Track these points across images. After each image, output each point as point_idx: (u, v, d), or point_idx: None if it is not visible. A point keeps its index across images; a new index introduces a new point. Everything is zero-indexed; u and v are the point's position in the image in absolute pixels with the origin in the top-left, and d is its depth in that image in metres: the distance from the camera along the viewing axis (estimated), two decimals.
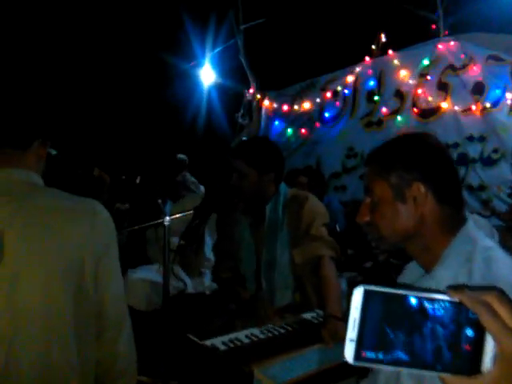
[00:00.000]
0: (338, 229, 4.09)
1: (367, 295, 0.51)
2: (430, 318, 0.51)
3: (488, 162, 4.45)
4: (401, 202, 1.13)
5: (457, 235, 1.11)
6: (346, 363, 0.52)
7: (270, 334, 1.75)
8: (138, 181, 5.35)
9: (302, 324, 1.87)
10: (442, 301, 0.52)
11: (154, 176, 4.98)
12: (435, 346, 0.50)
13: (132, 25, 6.29)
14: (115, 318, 1.13)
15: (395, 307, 0.51)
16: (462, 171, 4.45)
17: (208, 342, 1.62)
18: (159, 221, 2.12)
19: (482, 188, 4.45)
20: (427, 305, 0.51)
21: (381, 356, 0.50)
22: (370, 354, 0.50)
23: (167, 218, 2.04)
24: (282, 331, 1.79)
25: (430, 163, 1.14)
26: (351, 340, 0.51)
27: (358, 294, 0.52)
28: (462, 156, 4.56)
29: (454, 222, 1.13)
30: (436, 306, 0.51)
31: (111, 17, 6.20)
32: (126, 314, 1.17)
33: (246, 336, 1.73)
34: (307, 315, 1.96)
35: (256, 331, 1.77)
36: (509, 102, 4.30)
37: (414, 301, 0.51)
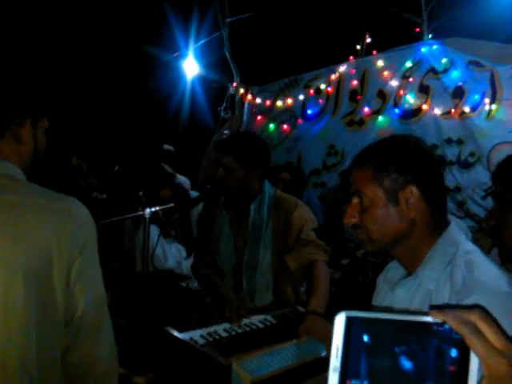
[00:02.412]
0: (316, 225, 4.11)
1: (349, 321, 0.51)
2: (414, 341, 0.50)
3: (464, 164, 4.55)
4: (393, 204, 1.13)
5: (440, 237, 1.13)
6: (323, 358, 0.52)
7: (248, 329, 1.76)
8: (115, 169, 5.28)
9: (280, 319, 1.88)
10: (425, 322, 0.51)
11: (135, 166, 4.92)
12: (420, 368, 0.49)
13: (114, 15, 6.18)
14: (92, 321, 1.06)
15: (378, 331, 0.51)
16: None
17: (186, 335, 1.62)
18: (139, 213, 2.11)
19: (457, 190, 4.55)
20: (410, 327, 0.51)
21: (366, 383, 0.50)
22: (354, 383, 0.50)
23: (148, 209, 2.02)
24: (261, 326, 1.80)
25: (422, 166, 1.15)
26: (335, 369, 0.50)
27: (339, 321, 0.51)
28: (441, 158, 4.65)
29: (439, 225, 1.15)
30: (419, 327, 0.51)
31: (93, 7, 6.08)
32: (105, 316, 1.10)
33: (225, 330, 1.73)
34: (286, 310, 1.98)
35: (235, 326, 1.78)
36: (487, 107, 4.40)
37: (396, 324, 0.51)
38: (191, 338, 1.60)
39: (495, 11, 4.56)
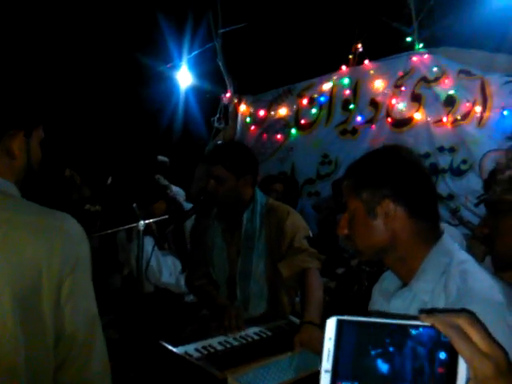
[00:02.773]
0: (310, 234, 4.12)
1: (340, 325, 0.52)
2: (403, 344, 0.51)
3: (457, 172, 4.58)
4: (372, 218, 1.16)
5: (433, 248, 1.14)
6: (318, 373, 0.53)
7: (243, 341, 1.75)
8: (109, 181, 5.26)
9: (275, 331, 1.87)
10: (415, 326, 0.52)
11: (129, 177, 4.91)
12: (409, 371, 0.51)
13: (108, 25, 6.20)
14: (83, 339, 1.03)
15: (369, 336, 0.52)
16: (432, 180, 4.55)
17: (181, 349, 1.61)
18: (133, 225, 2.10)
19: (450, 197, 4.57)
20: (400, 331, 0.52)
21: None
22: None
23: (141, 222, 2.02)
24: (256, 338, 1.79)
25: (401, 179, 1.16)
26: (326, 371, 0.51)
27: (330, 325, 0.52)
28: (433, 166, 4.67)
29: (429, 235, 1.15)
30: (409, 331, 0.52)
31: (86, 17, 6.10)
32: (97, 334, 1.07)
33: (220, 343, 1.72)
34: (281, 322, 1.97)
35: (230, 338, 1.77)
36: (478, 115, 4.44)
37: (386, 328, 0.52)
38: (186, 352, 1.59)
39: (484, 21, 4.61)
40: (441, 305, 1.05)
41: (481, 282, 1.03)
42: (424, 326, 0.52)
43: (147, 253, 2.19)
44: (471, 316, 0.55)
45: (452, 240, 1.18)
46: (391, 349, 0.51)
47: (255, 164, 2.18)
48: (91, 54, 6.31)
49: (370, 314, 1.28)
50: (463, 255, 1.13)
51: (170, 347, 1.61)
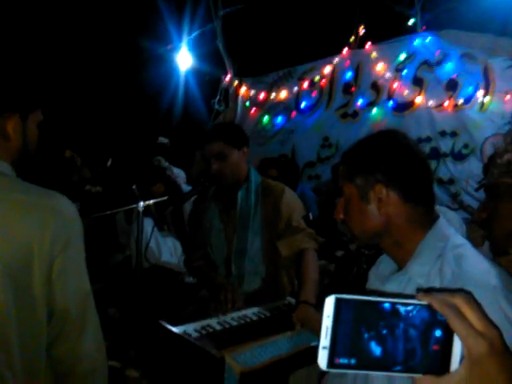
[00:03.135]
0: (310, 217, 4.13)
1: (339, 303, 0.52)
2: (401, 322, 0.52)
3: (458, 156, 4.57)
4: (366, 203, 1.16)
5: (429, 232, 1.14)
6: (314, 347, 0.54)
7: (242, 321, 1.77)
8: (109, 163, 5.26)
9: (273, 311, 1.89)
10: (412, 304, 0.53)
11: (128, 159, 4.90)
12: (406, 348, 0.52)
13: (106, 7, 6.12)
14: (76, 317, 1.06)
15: (366, 314, 0.52)
16: (433, 165, 4.55)
17: (180, 329, 1.62)
18: (132, 206, 2.11)
19: (451, 182, 4.57)
20: (397, 309, 0.53)
21: (353, 361, 0.52)
22: (342, 361, 0.52)
23: (141, 203, 2.02)
24: (254, 318, 1.81)
25: (394, 164, 1.16)
26: (324, 347, 0.52)
27: (329, 303, 0.52)
28: (434, 150, 4.67)
29: (424, 219, 1.15)
30: (406, 309, 0.53)
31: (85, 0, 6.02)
32: (91, 311, 1.09)
33: (219, 323, 1.74)
34: (279, 303, 1.99)
35: (228, 318, 1.79)
36: (480, 99, 4.41)
37: (384, 306, 0.53)
38: (185, 332, 1.60)
39: (488, 3, 4.56)
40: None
41: (476, 265, 1.03)
42: (421, 305, 0.53)
43: (147, 234, 2.20)
44: (468, 295, 0.55)
45: (448, 224, 1.17)
46: (388, 326, 0.52)
47: (248, 138, 2.22)
48: (91, 38, 6.25)
49: (367, 291, 1.29)
50: (459, 239, 1.13)
51: (169, 326, 1.63)
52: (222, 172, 2.07)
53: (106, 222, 3.43)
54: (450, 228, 1.16)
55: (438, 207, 1.24)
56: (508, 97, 4.23)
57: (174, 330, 1.61)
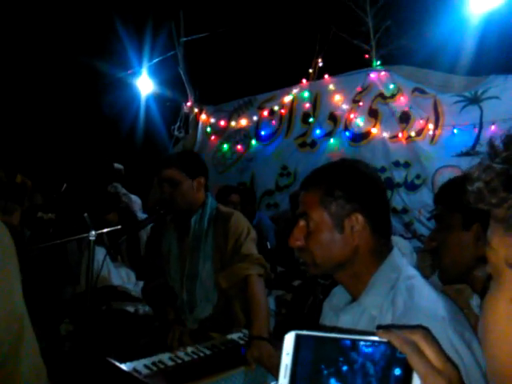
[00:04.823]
0: (268, 246, 4.12)
1: (298, 340, 0.51)
2: (361, 360, 0.51)
3: (411, 186, 4.72)
4: (339, 231, 1.13)
5: (383, 263, 1.14)
6: None
7: (195, 356, 1.71)
8: (63, 189, 5.10)
9: (228, 345, 1.84)
10: (372, 342, 0.52)
11: (84, 185, 4.77)
12: None
13: (65, 30, 6.06)
14: (8, 343, 0.97)
15: (327, 351, 0.51)
16: (388, 195, 4.66)
17: (129, 366, 1.55)
18: (84, 235, 2.03)
19: (404, 211, 4.70)
20: (357, 347, 0.52)
21: None
22: None
23: (92, 232, 1.95)
24: (208, 353, 1.76)
25: (368, 193, 1.16)
26: None
27: (289, 340, 0.51)
28: (389, 180, 4.80)
29: (383, 251, 1.16)
30: (366, 347, 0.52)
31: (44, 23, 5.94)
32: (26, 336, 1.00)
33: (170, 358, 1.67)
34: (234, 336, 1.94)
35: (181, 353, 1.73)
36: (431, 132, 4.61)
37: (344, 344, 0.52)
38: (134, 369, 1.53)
39: (439, 43, 4.82)
40: (388, 319, 1.06)
41: (426, 297, 1.05)
42: (380, 342, 0.52)
43: (98, 263, 2.12)
44: (426, 332, 0.55)
45: (400, 254, 1.19)
46: (349, 364, 0.51)
47: (206, 169, 2.22)
48: (49, 60, 6.15)
49: (325, 327, 1.27)
50: (411, 270, 1.14)
51: (118, 363, 1.55)
52: (172, 198, 2.05)
53: (57, 252, 3.30)
54: (402, 259, 1.18)
55: (393, 238, 1.26)
56: (456, 130, 4.44)
57: (123, 367, 1.54)
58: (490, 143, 0.49)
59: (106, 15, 6.08)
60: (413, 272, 1.15)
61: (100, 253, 2.48)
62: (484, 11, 4.55)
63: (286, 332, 0.53)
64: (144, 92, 6.49)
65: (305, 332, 0.52)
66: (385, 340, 0.52)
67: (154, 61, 6.39)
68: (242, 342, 1.88)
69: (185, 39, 6.34)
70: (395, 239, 1.31)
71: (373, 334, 0.53)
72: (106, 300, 2.72)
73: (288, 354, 0.51)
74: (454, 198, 1.34)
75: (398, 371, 0.51)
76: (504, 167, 0.46)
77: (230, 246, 2.06)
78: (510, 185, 0.46)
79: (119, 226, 2.08)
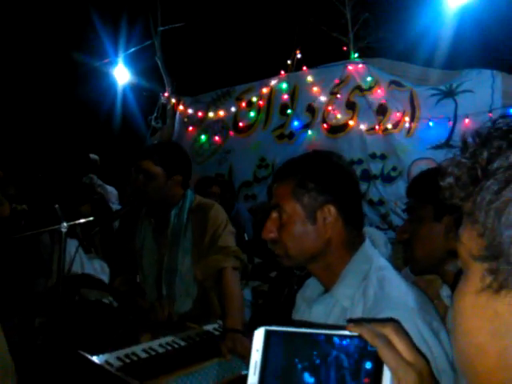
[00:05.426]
0: (246, 237, 4.12)
1: (268, 336, 0.50)
2: (331, 354, 0.51)
3: (387, 178, 4.78)
4: (311, 222, 1.13)
5: (355, 254, 1.15)
6: (243, 376, 0.51)
7: (169, 348, 1.70)
8: (38, 178, 5.00)
9: (203, 336, 1.83)
10: (343, 336, 0.52)
11: (58, 176, 4.68)
12: (336, 381, 0.50)
13: (41, 19, 5.90)
14: None
15: (296, 347, 0.50)
16: (364, 186, 4.72)
17: (101, 358, 1.53)
18: (55, 227, 1.99)
19: (381, 203, 4.76)
20: (328, 341, 0.51)
21: None
22: None
23: (64, 224, 1.91)
24: (182, 344, 1.75)
25: (341, 185, 1.15)
26: None
27: (259, 336, 0.50)
28: (365, 172, 4.85)
29: (355, 242, 1.17)
30: (337, 341, 0.52)
31: (20, 11, 5.77)
32: None
33: (144, 350, 1.66)
34: (209, 327, 1.93)
35: (155, 345, 1.71)
36: (407, 124, 4.66)
37: (314, 339, 0.51)
38: (106, 361, 1.51)
39: (416, 37, 4.87)
40: (359, 310, 1.07)
41: (396, 288, 1.06)
42: (351, 336, 0.52)
43: (70, 256, 2.08)
44: (397, 325, 0.56)
45: (372, 246, 1.20)
46: (318, 361, 0.50)
47: (188, 165, 2.14)
48: (23, 49, 5.99)
49: (295, 322, 1.27)
50: (382, 262, 1.15)
51: (89, 356, 1.53)
52: (145, 190, 2.00)
53: (29, 244, 3.22)
54: (374, 250, 1.19)
55: (366, 228, 1.26)
56: (431, 123, 4.50)
57: (94, 359, 1.52)
58: (463, 138, 0.50)
59: (82, 3, 5.95)
60: (384, 263, 1.16)
61: (72, 245, 2.44)
62: (461, 4, 4.61)
63: (262, 323, 0.52)
64: (121, 81, 6.38)
65: (275, 328, 0.51)
66: (355, 334, 0.52)
67: (131, 50, 6.28)
68: (217, 333, 1.88)
69: (162, 28, 6.24)
70: (369, 230, 1.32)
71: (344, 328, 0.53)
72: (79, 287, 2.67)
73: (258, 350, 0.50)
74: (426, 190, 1.35)
75: (368, 365, 0.51)
76: (471, 162, 0.47)
77: (208, 238, 2.04)
78: (476, 179, 0.46)
79: (91, 218, 2.04)
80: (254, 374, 0.49)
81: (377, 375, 0.51)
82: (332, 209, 1.13)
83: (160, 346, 1.71)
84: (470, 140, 0.49)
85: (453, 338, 0.51)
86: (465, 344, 0.49)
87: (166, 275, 2.09)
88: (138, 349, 1.66)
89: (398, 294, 1.04)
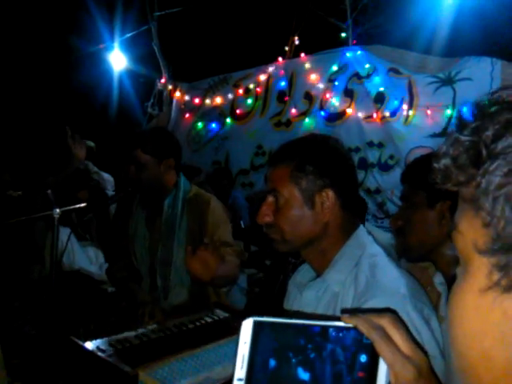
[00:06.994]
0: (242, 225, 4.12)
1: (257, 327, 0.48)
2: (324, 347, 0.48)
3: (385, 167, 4.76)
4: (309, 207, 1.12)
5: (349, 240, 1.14)
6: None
7: (162, 334, 1.70)
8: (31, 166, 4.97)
9: (196, 323, 1.83)
10: (336, 327, 0.49)
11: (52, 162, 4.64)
12: (330, 375, 0.48)
13: (36, 3, 5.81)
14: None
15: (289, 339, 0.48)
16: (361, 175, 4.71)
17: (93, 344, 1.53)
18: (48, 212, 1.97)
19: (378, 191, 4.74)
20: (322, 333, 0.48)
21: None
22: None
23: (56, 210, 1.89)
24: (176, 331, 1.74)
25: (338, 169, 1.14)
26: (239, 379, 0.47)
27: (247, 327, 0.48)
28: (363, 160, 4.83)
29: (350, 228, 1.16)
30: (330, 333, 0.49)
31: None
32: None
33: (136, 336, 1.65)
34: (203, 314, 1.93)
35: (148, 331, 1.71)
36: (405, 112, 4.63)
37: (309, 330, 0.48)
38: (98, 347, 1.51)
39: (416, 24, 4.81)
40: (350, 296, 1.06)
41: (387, 275, 1.05)
42: (346, 328, 0.49)
43: (62, 243, 2.07)
44: (394, 316, 0.53)
45: (366, 232, 1.19)
46: (312, 355, 0.47)
47: (178, 148, 2.12)
48: (17, 34, 5.91)
49: (287, 312, 1.26)
50: (375, 248, 1.15)
51: (80, 342, 1.52)
52: (138, 180, 2.00)
53: (23, 230, 3.21)
54: (368, 236, 1.18)
55: (371, 227, 1.25)
56: (429, 111, 4.46)
57: (86, 345, 1.51)
58: (459, 115, 0.43)
59: None
60: (377, 250, 1.15)
61: (64, 233, 2.42)
62: None
63: (257, 311, 0.50)
64: (117, 67, 6.31)
65: (265, 318, 0.48)
66: (350, 325, 0.50)
67: (127, 35, 6.21)
68: (210, 320, 1.88)
69: (159, 13, 6.16)
70: (375, 231, 1.31)
71: (338, 318, 0.50)
72: (71, 286, 2.67)
73: (246, 342, 0.48)
74: (419, 177, 1.34)
75: (363, 358, 0.48)
76: (472, 140, 0.40)
77: (208, 237, 2.03)
78: (479, 160, 0.39)
79: (84, 204, 2.02)
80: (242, 368, 0.47)
81: (372, 369, 0.48)
82: (330, 193, 1.12)
83: (153, 331, 1.71)
84: (468, 115, 0.42)
85: (451, 342, 0.45)
86: (467, 348, 0.43)
87: (161, 266, 2.09)
88: (130, 335, 1.65)
89: (389, 281, 1.03)
